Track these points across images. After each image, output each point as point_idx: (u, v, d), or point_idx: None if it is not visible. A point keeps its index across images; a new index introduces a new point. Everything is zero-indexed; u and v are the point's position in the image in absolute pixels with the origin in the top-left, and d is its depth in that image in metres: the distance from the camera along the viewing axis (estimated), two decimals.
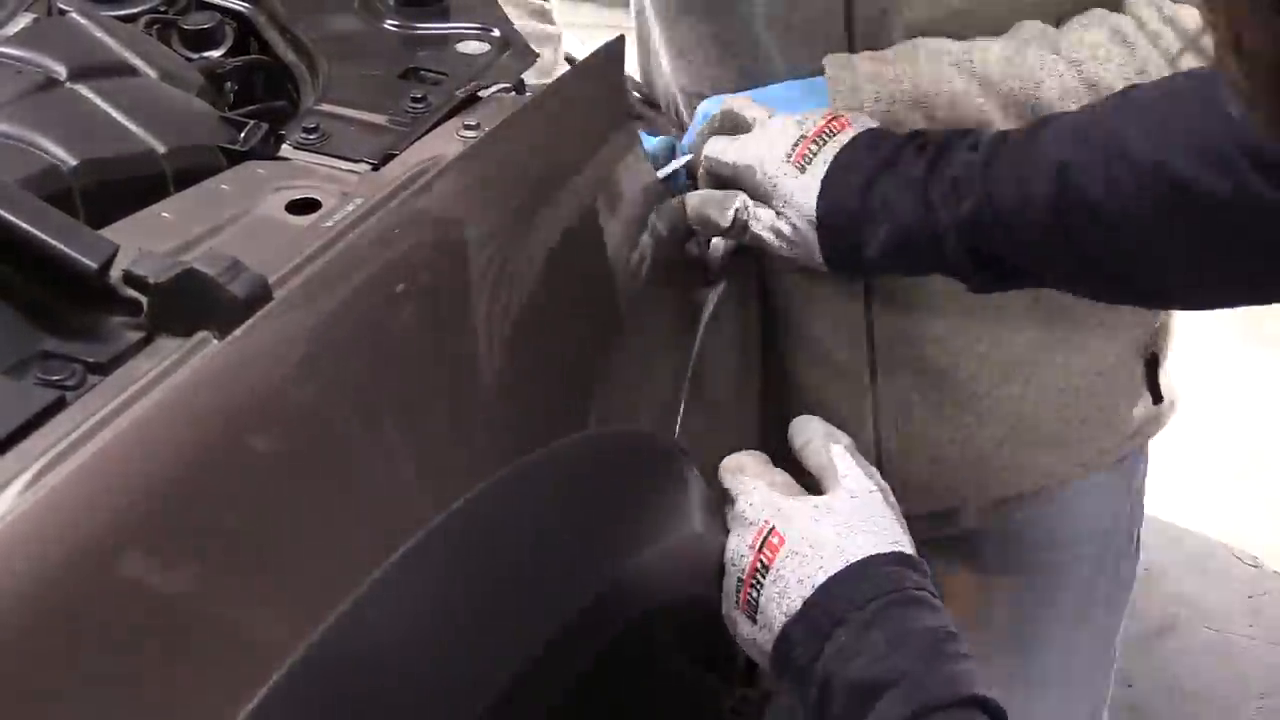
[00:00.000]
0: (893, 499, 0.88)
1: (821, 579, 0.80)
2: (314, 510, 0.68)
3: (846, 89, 0.99)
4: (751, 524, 0.85)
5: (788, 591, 0.81)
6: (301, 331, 0.70)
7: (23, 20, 1.02)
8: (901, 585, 0.80)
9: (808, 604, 0.80)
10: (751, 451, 0.94)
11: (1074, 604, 1.32)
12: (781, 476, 0.90)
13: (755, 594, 0.82)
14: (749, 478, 0.89)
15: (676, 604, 0.91)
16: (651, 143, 1.05)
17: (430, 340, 0.77)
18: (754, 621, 0.83)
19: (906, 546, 0.84)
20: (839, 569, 0.80)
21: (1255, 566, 2.48)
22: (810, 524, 0.82)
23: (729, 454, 0.95)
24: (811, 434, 0.91)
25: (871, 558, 0.81)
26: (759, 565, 0.82)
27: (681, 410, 0.98)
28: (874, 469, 0.90)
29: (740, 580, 0.84)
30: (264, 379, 0.67)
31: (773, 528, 0.83)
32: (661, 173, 1.04)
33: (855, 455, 0.90)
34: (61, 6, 1.03)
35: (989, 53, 0.99)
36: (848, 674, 0.77)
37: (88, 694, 0.57)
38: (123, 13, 1.03)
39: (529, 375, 0.83)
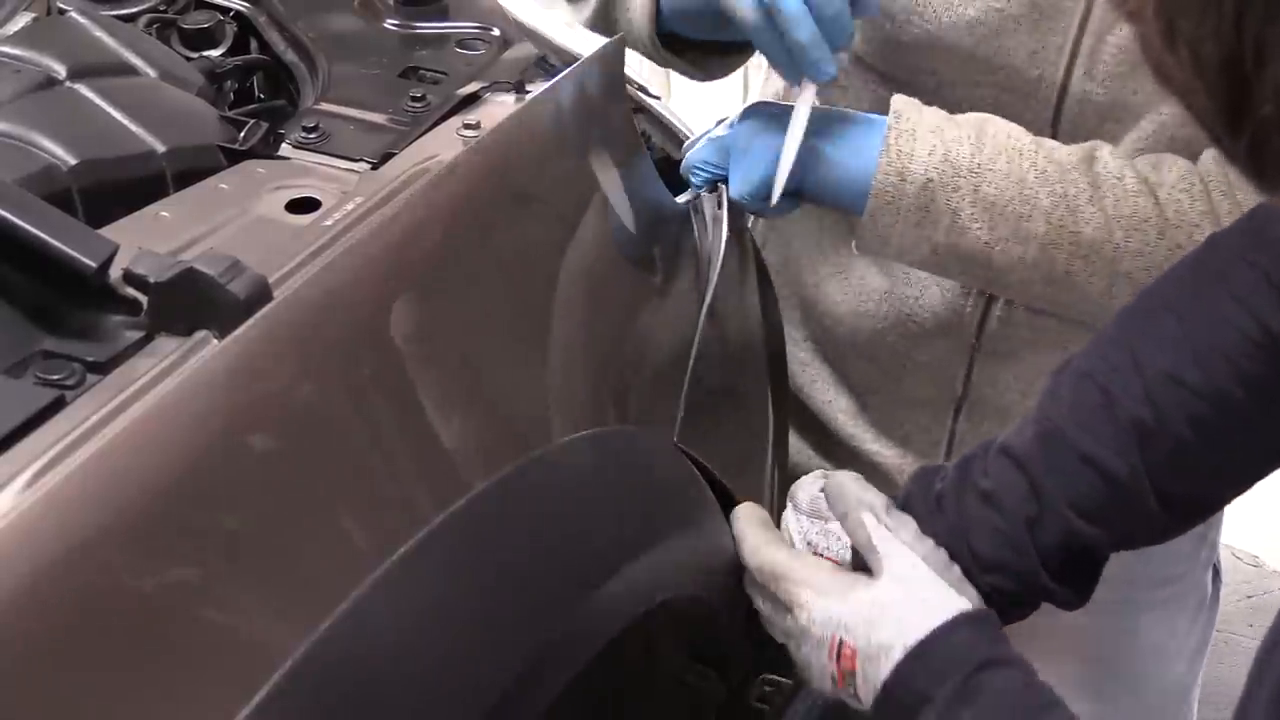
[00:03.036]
0: (941, 555, 0.88)
1: (890, 673, 0.83)
2: (314, 510, 0.68)
3: (906, 131, 0.98)
4: (820, 640, 0.87)
5: (874, 685, 0.84)
6: (301, 331, 0.70)
7: (23, 20, 1.02)
8: (972, 652, 0.82)
9: (887, 689, 0.83)
10: (766, 529, 0.94)
11: (1150, 650, 1.30)
12: (824, 573, 0.90)
13: (851, 688, 0.86)
14: (796, 586, 0.89)
15: (677, 603, 0.91)
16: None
17: (430, 340, 0.77)
18: (859, 701, 0.87)
19: (967, 604, 0.85)
20: (903, 657, 0.83)
21: (1255, 566, 2.48)
22: (870, 629, 0.85)
23: (733, 454, 0.95)
24: (848, 505, 0.90)
25: (935, 634, 0.83)
26: (845, 672, 0.86)
27: (682, 408, 0.98)
28: (911, 527, 0.89)
29: (834, 678, 0.87)
30: (264, 379, 0.67)
31: (841, 640, 0.86)
32: (681, 199, 1.04)
33: (891, 519, 0.89)
34: (61, 6, 1.03)
35: (1056, 152, 0.99)
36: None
37: (87, 694, 0.57)
38: (123, 12, 1.04)
39: (529, 375, 0.83)
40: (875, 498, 0.90)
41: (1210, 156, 0.99)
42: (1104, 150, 1.00)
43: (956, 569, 0.88)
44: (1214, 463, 0.86)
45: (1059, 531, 0.86)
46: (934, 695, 0.80)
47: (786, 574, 0.90)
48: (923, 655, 0.82)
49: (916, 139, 0.97)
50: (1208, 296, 0.85)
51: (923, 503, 0.91)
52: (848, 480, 0.91)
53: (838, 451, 1.25)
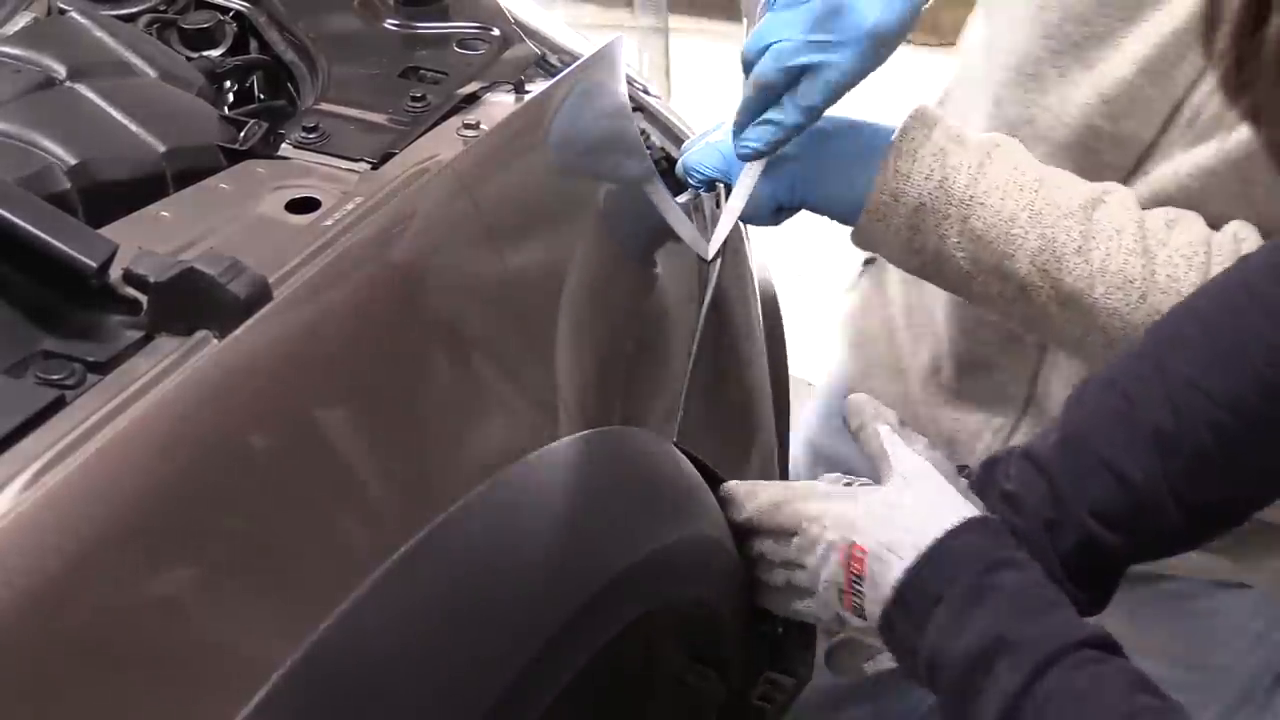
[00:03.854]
0: (950, 466, 0.90)
1: (903, 573, 0.84)
2: (313, 511, 0.68)
3: (908, 151, 0.97)
4: (831, 545, 0.88)
5: (883, 589, 0.85)
6: (301, 331, 0.70)
7: (23, 20, 1.02)
8: (982, 554, 0.83)
9: (899, 591, 0.84)
10: (764, 483, 0.95)
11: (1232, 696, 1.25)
12: (823, 485, 0.93)
13: (858, 599, 0.87)
14: (803, 502, 0.91)
15: (677, 603, 0.92)
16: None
17: (430, 339, 0.77)
18: (862, 618, 0.88)
19: (972, 509, 0.86)
20: (915, 559, 0.83)
21: None
22: (880, 526, 0.86)
23: (736, 451, 0.96)
24: (864, 417, 0.93)
25: (946, 537, 0.84)
26: (854, 576, 0.87)
27: (683, 404, 0.98)
28: (922, 440, 0.92)
29: (841, 591, 0.88)
30: (264, 378, 0.67)
31: (853, 542, 0.87)
32: (680, 198, 1.04)
33: (904, 432, 0.92)
34: (61, 6, 1.03)
35: (1058, 193, 0.97)
36: (954, 650, 0.80)
37: (87, 694, 0.57)
38: (123, 12, 1.04)
39: (528, 374, 0.83)
40: (890, 414, 0.93)
41: (1233, 229, 0.96)
42: (1115, 197, 0.97)
43: (964, 481, 0.89)
44: (1234, 473, 0.86)
45: (1076, 535, 0.87)
46: (945, 595, 0.81)
47: (789, 497, 0.92)
48: (934, 556, 0.83)
49: (916, 160, 0.97)
50: (1235, 309, 0.85)
51: None
52: (863, 398, 0.94)
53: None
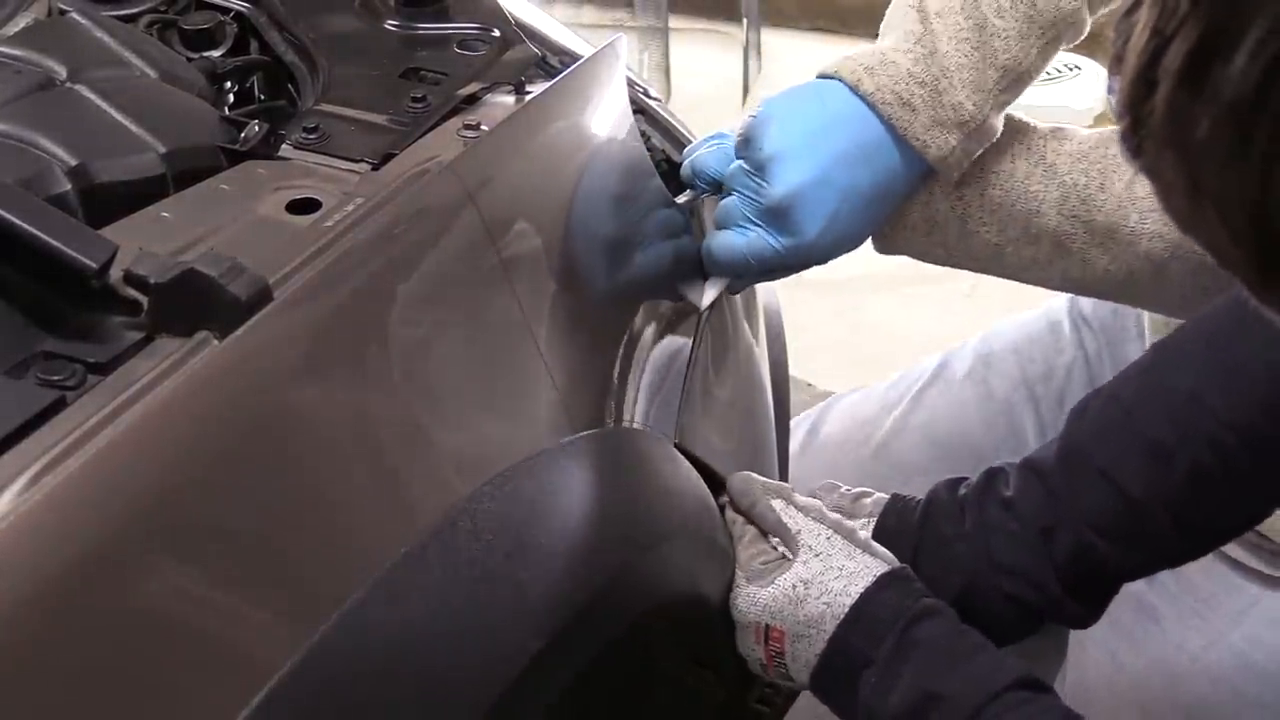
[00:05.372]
0: (847, 524, 0.91)
1: (826, 644, 0.86)
2: (313, 512, 0.68)
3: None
4: (746, 626, 0.90)
5: (809, 663, 0.87)
6: (302, 332, 0.70)
7: (23, 20, 1.02)
8: (902, 610, 0.85)
9: (826, 659, 0.86)
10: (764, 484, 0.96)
11: None
12: (743, 552, 0.92)
13: (781, 669, 0.89)
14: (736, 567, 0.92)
15: (677, 603, 0.91)
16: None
17: (431, 340, 0.77)
18: (789, 681, 0.90)
19: (883, 565, 0.88)
20: (836, 629, 0.86)
21: None
22: (797, 607, 0.87)
23: (736, 451, 0.97)
24: (754, 495, 0.93)
25: (862, 601, 0.86)
26: (774, 654, 0.89)
27: (683, 404, 0.98)
28: (817, 505, 0.92)
29: (764, 666, 0.91)
30: (264, 380, 0.67)
31: (768, 625, 0.89)
32: (681, 199, 1.04)
33: (799, 502, 0.93)
34: (61, 6, 1.03)
35: (1067, 143, 0.98)
36: (888, 709, 0.83)
37: (88, 695, 0.57)
38: (123, 13, 1.03)
39: (528, 374, 0.83)
40: (780, 486, 0.94)
41: None
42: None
43: (864, 532, 0.91)
44: (1231, 489, 0.86)
45: (1073, 543, 0.87)
46: (874, 657, 0.83)
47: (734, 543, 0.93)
48: (856, 621, 0.85)
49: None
50: (1240, 328, 0.86)
51: (946, 506, 0.93)
52: (748, 476, 0.95)
53: None
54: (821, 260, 0.99)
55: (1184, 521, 0.87)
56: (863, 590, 0.86)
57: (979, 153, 0.97)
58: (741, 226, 0.98)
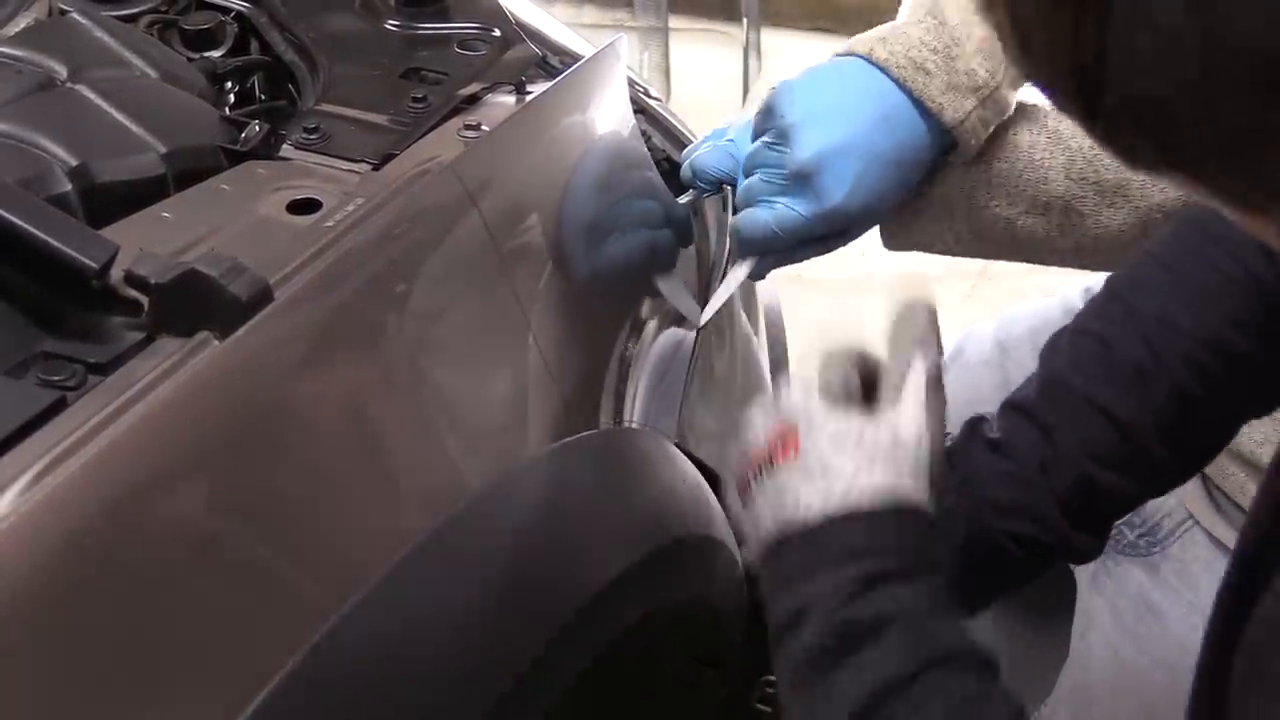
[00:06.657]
0: (941, 446, 0.82)
1: (817, 513, 0.76)
2: (314, 512, 0.68)
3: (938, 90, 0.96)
4: (780, 416, 0.79)
5: (784, 505, 0.76)
6: (303, 333, 0.70)
7: (23, 20, 1.02)
8: (888, 548, 0.75)
9: (807, 535, 0.75)
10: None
11: None
12: (849, 377, 0.82)
13: (758, 481, 0.78)
14: (806, 374, 0.83)
15: (679, 601, 0.92)
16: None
17: (431, 340, 0.77)
18: (745, 508, 0.79)
19: (916, 494, 0.77)
20: (838, 512, 0.75)
21: None
22: (830, 448, 0.77)
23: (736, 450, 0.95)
24: (912, 330, 0.83)
25: (874, 511, 0.75)
26: (771, 457, 0.77)
27: (683, 404, 0.98)
28: (945, 401, 0.83)
29: (748, 455, 0.79)
30: (265, 380, 0.67)
31: (793, 430, 0.78)
32: (682, 199, 1.03)
33: (934, 378, 0.82)
34: (62, 6, 1.03)
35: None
36: (835, 615, 0.73)
37: (89, 694, 0.57)
38: (123, 13, 1.04)
39: (529, 375, 0.83)
40: (933, 351, 0.83)
41: None
42: None
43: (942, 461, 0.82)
44: (1212, 403, 0.86)
45: (1072, 474, 0.86)
46: (843, 569, 0.73)
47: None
48: (875, 523, 0.75)
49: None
50: (1191, 245, 0.86)
51: None
52: (930, 316, 0.84)
53: None
54: (846, 229, 0.99)
55: (1173, 440, 0.87)
56: (876, 504, 0.74)
57: (994, 126, 0.98)
58: (767, 201, 0.97)
